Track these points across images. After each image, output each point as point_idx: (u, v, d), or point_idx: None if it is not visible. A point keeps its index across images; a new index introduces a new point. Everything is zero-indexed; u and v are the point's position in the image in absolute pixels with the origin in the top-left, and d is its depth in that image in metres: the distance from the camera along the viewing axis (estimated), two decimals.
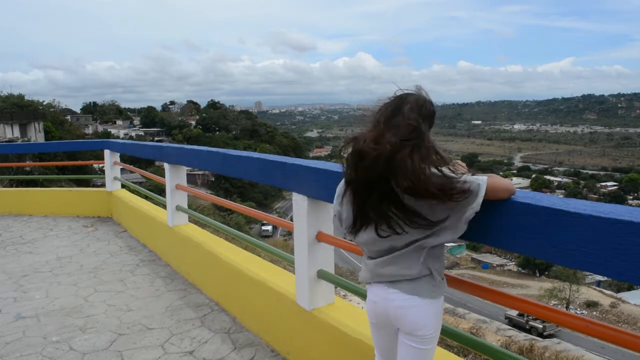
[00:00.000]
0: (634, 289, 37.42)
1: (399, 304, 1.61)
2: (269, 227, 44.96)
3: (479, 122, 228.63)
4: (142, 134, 76.04)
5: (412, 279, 1.59)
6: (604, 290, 40.16)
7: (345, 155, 1.54)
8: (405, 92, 1.54)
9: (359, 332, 2.47)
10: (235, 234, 4.04)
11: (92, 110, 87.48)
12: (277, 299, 3.14)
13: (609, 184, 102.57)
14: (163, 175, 5.07)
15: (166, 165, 4.89)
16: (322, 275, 2.80)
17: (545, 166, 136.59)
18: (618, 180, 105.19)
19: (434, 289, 1.61)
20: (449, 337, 2.04)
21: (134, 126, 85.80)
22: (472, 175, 1.53)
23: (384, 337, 1.75)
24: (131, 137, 62.62)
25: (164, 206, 5.20)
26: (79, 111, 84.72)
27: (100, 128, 74.35)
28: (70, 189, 9.66)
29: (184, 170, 4.91)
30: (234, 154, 3.53)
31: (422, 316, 1.60)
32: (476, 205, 1.50)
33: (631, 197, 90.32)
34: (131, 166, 7.55)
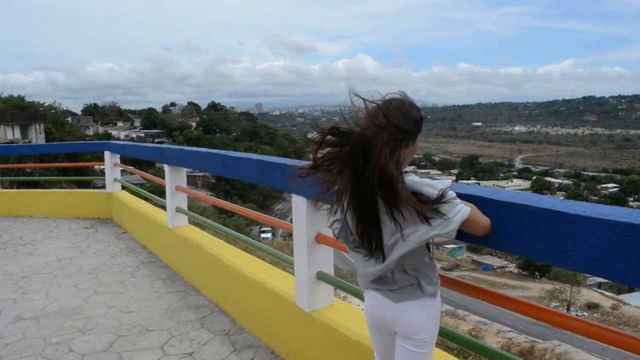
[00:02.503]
0: (634, 291, 37.38)
1: (394, 308, 1.61)
2: (268, 235, 44.63)
3: (480, 123, 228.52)
4: (143, 135, 76.05)
5: (405, 285, 1.59)
6: (604, 292, 40.11)
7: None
8: (392, 96, 1.53)
9: (359, 334, 2.47)
10: (235, 235, 4.04)
11: (92, 111, 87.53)
12: (276, 301, 3.14)
13: (609, 185, 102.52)
14: (163, 177, 5.07)
15: (166, 167, 4.89)
16: (321, 276, 2.80)
17: (546, 168, 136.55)
18: (619, 182, 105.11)
19: (429, 293, 1.61)
20: (449, 339, 2.04)
21: (135, 128, 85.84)
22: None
23: (382, 340, 1.76)
24: (132, 139, 62.62)
25: (164, 208, 5.20)
26: (79, 113, 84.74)
27: (100, 129, 74.38)
28: (71, 190, 9.67)
29: (183, 171, 4.92)
30: (234, 156, 3.53)
31: (419, 320, 1.60)
32: (451, 227, 1.48)
33: (632, 199, 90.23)
34: (131, 167, 7.55)
